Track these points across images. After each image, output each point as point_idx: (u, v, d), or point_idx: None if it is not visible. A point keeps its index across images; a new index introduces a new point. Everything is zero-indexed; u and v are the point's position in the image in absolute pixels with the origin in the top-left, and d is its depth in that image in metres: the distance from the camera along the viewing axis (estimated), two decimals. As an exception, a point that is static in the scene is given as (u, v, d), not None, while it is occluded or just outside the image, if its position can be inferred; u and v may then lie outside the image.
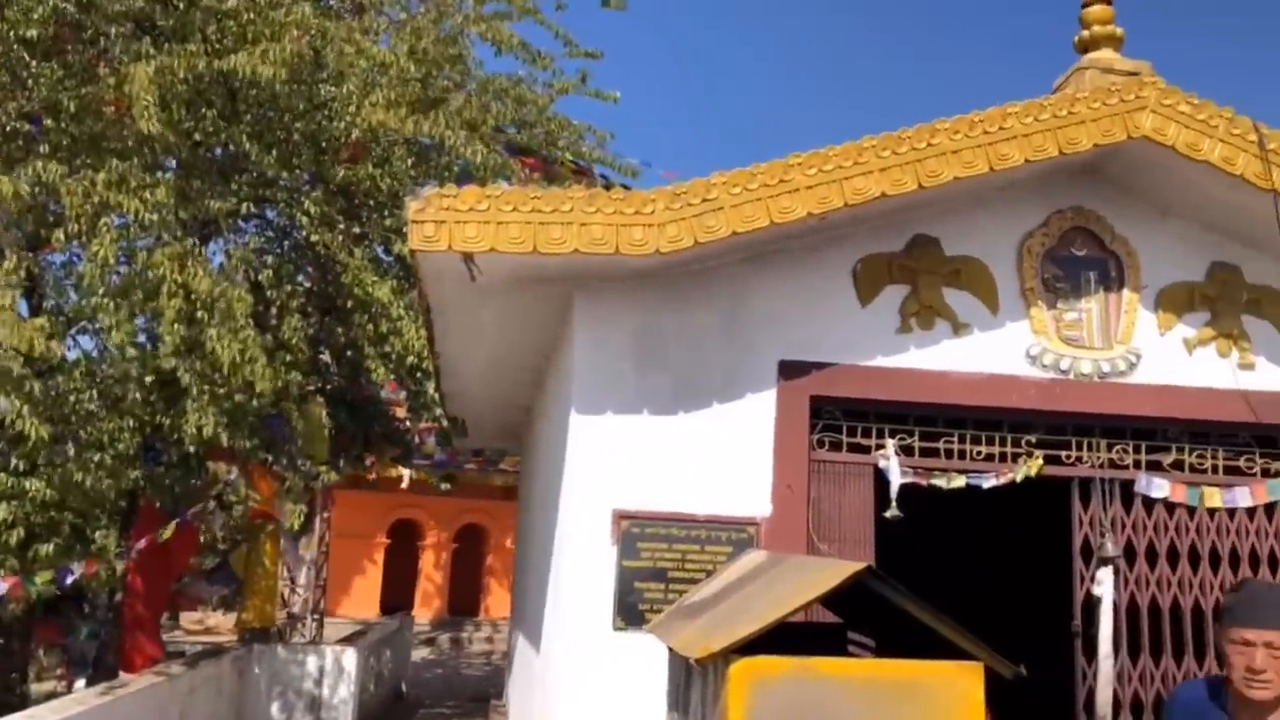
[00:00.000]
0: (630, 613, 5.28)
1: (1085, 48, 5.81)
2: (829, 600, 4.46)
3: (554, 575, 5.94)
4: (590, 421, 5.43)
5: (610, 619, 5.30)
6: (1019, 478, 5.80)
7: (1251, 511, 5.95)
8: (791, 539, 5.46)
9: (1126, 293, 5.90)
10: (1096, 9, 5.80)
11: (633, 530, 5.39)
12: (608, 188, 8.00)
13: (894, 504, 5.66)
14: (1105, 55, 5.69)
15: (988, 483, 5.80)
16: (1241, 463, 6.03)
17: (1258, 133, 5.30)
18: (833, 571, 3.17)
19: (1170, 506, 5.91)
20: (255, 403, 8.40)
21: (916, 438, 5.82)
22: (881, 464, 5.74)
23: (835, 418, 5.80)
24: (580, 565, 5.38)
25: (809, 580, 3.30)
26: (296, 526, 10.69)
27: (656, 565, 5.37)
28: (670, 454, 5.47)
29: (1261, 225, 5.63)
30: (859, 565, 3.10)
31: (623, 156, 10.86)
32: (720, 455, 5.52)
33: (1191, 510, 5.92)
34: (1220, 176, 5.38)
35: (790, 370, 5.63)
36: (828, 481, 5.72)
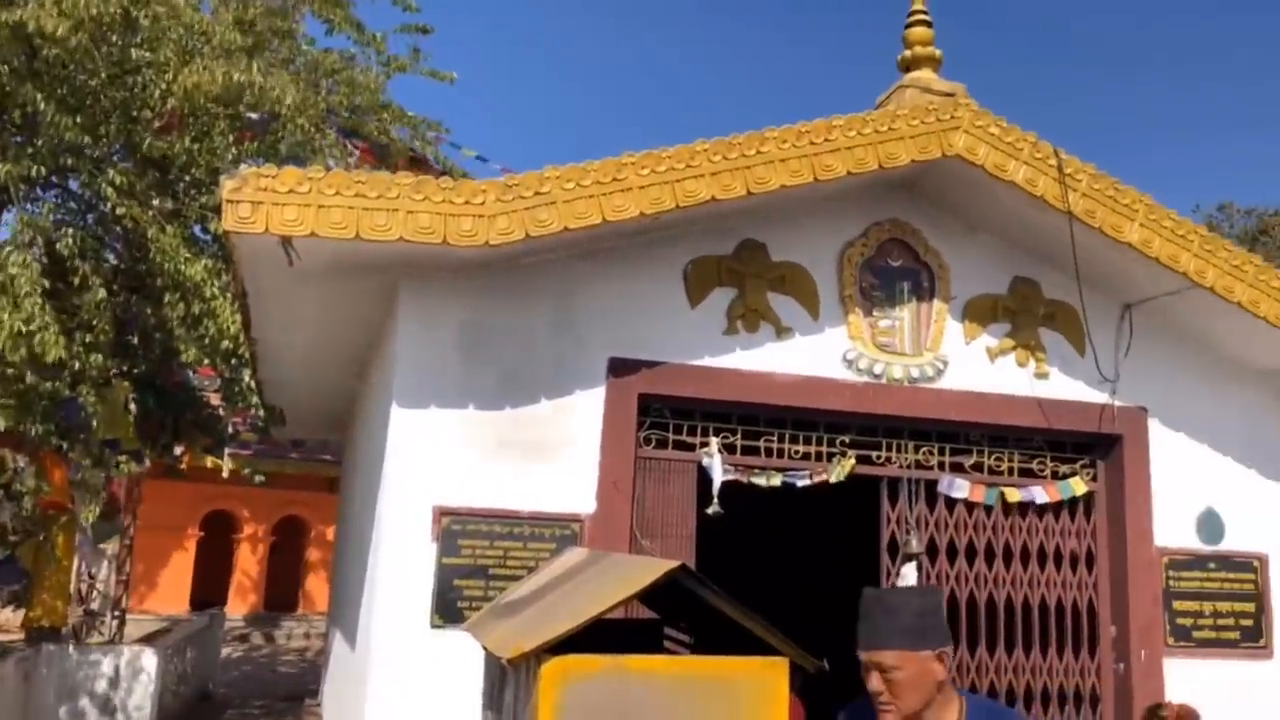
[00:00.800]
0: (449, 610, 5.18)
1: (907, 67, 6.09)
2: (648, 598, 4.53)
3: (371, 571, 5.77)
4: (412, 415, 5.29)
5: (428, 617, 5.19)
6: (833, 477, 6.02)
7: (1042, 510, 6.38)
8: (615, 536, 5.49)
9: (937, 303, 6.22)
10: (917, 30, 6.08)
11: (454, 526, 5.29)
12: (444, 175, 7.83)
13: (715, 501, 5.78)
14: (925, 75, 5.97)
15: (802, 481, 5.99)
16: (1034, 465, 6.46)
17: (1057, 158, 5.67)
18: (646, 570, 3.19)
19: (970, 506, 6.27)
20: (50, 385, 7.80)
21: (739, 436, 5.96)
22: (705, 461, 5.84)
23: (663, 415, 5.87)
24: (398, 561, 5.25)
25: (623, 579, 3.31)
26: (92, 519, 9.99)
27: (477, 562, 5.29)
28: (495, 449, 5.40)
29: (1059, 244, 6.04)
30: (672, 564, 3.12)
31: (459, 147, 10.65)
32: (546, 451, 5.49)
33: (989, 509, 6.29)
34: (1023, 196, 5.74)
35: (620, 368, 5.65)
36: (653, 478, 5.78)
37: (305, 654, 18.24)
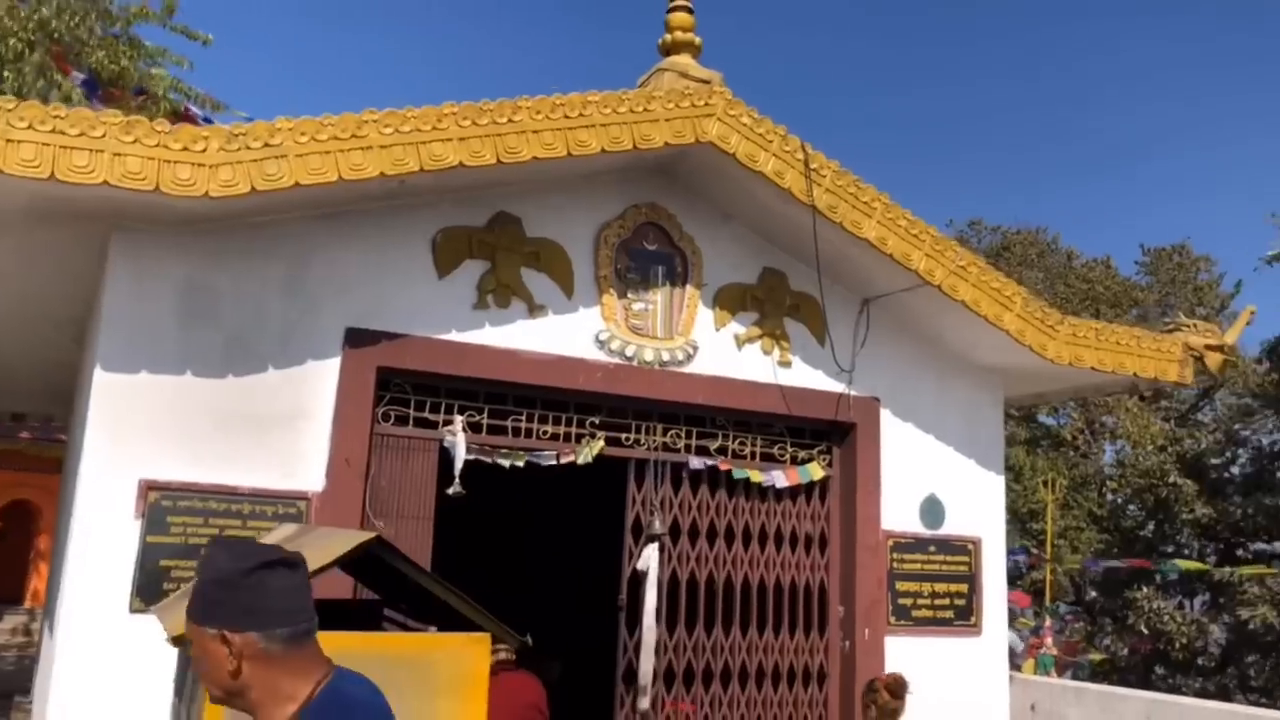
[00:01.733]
0: (153, 593, 4.75)
1: (667, 50, 6.11)
2: (372, 579, 4.30)
3: (69, 551, 5.22)
4: (117, 380, 4.82)
5: (128, 600, 4.74)
6: (580, 458, 5.97)
7: (781, 494, 6.59)
8: (345, 515, 5.21)
9: (689, 288, 6.29)
10: (678, 16, 6.13)
11: (163, 502, 4.86)
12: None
13: (457, 481, 5.61)
14: (683, 60, 6.01)
15: (549, 462, 5.91)
16: (776, 450, 6.66)
17: (805, 152, 5.85)
18: (340, 543, 2.99)
19: (713, 488, 6.38)
20: None
21: (485, 415, 5.81)
22: (447, 440, 5.65)
23: (404, 391, 5.63)
24: (95, 540, 4.76)
25: (320, 550, 3.10)
26: None
27: (189, 541, 4.88)
28: (215, 420, 5.01)
29: (805, 237, 6.23)
30: (367, 535, 2.94)
31: (208, 93, 9.90)
32: (273, 425, 5.14)
33: (731, 493, 6.44)
34: (772, 188, 5.88)
35: (358, 338, 5.37)
36: (391, 456, 5.54)
37: (28, 649, 16.63)
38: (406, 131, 4.89)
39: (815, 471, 6.69)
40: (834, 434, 6.81)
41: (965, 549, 6.92)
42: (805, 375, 6.59)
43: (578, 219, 6.03)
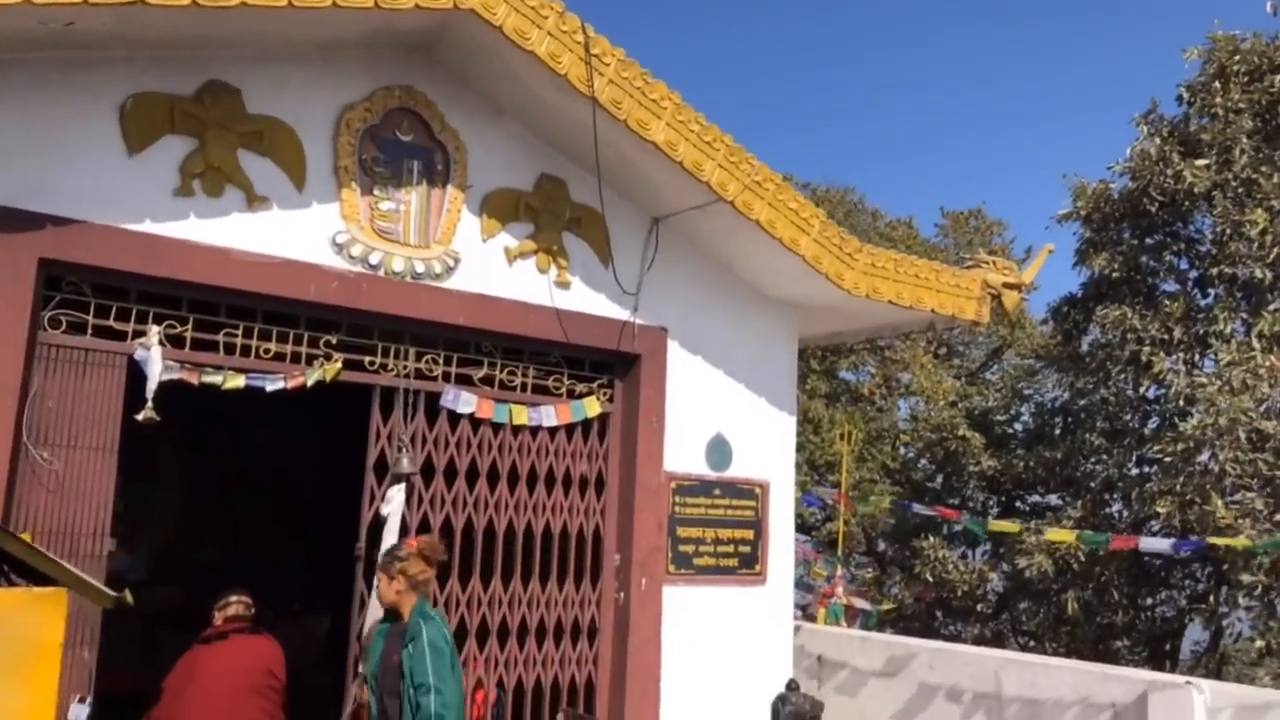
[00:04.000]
0: None
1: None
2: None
3: None
4: None
5: None
6: (311, 381, 5.05)
7: (554, 431, 5.87)
8: (-10, 442, 4.13)
9: (451, 190, 5.43)
10: None
11: None
12: None
13: (150, 405, 4.59)
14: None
15: (273, 385, 4.96)
16: (550, 382, 5.93)
17: (585, 34, 5.07)
18: None
19: (476, 423, 5.60)
20: None
21: (190, 327, 4.79)
22: (139, 355, 4.61)
23: (81, 292, 4.55)
24: None
25: None
26: None
27: None
28: None
29: (587, 141, 5.48)
30: None
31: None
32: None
33: (497, 428, 5.67)
34: (547, 74, 5.07)
35: (12, 220, 4.25)
36: (62, 373, 4.46)
37: None
38: (62, -52, 3.79)
39: (592, 408, 6.00)
40: (616, 366, 6.14)
41: (753, 493, 6.43)
42: (586, 299, 5.88)
43: (315, 98, 5.05)
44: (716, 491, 6.29)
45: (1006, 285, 6.66)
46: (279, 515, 9.27)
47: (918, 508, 12.30)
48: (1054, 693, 6.09)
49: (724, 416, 6.38)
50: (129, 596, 2.39)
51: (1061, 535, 10.06)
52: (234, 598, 5.13)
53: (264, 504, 9.18)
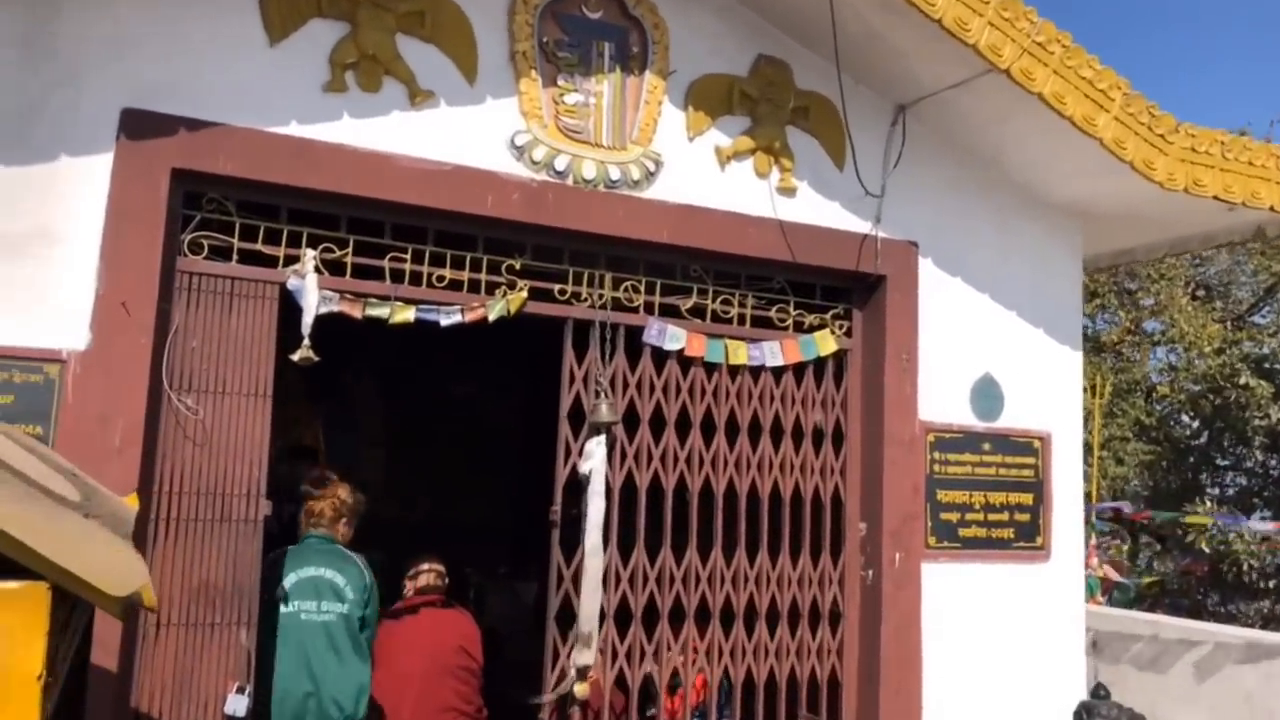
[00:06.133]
0: None
1: None
2: None
3: None
4: None
5: None
6: (494, 315, 4.21)
7: (779, 372, 4.82)
8: (125, 386, 3.50)
9: (650, 78, 4.44)
10: None
11: None
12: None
13: (307, 343, 3.87)
14: None
15: (449, 319, 4.15)
16: (773, 313, 4.86)
17: None
18: None
19: (685, 363, 4.62)
20: None
21: (350, 250, 4.03)
22: (292, 284, 3.89)
23: (224, 211, 3.86)
24: None
25: None
26: None
27: None
28: (-100, 239, 3.27)
29: (815, 10, 4.36)
30: None
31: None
32: (8, 250, 3.41)
33: (711, 369, 4.67)
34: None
35: (140, 124, 3.59)
36: (205, 305, 3.79)
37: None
38: None
39: (825, 343, 4.90)
40: (854, 292, 5.01)
41: (1031, 447, 5.15)
42: (815, 209, 4.77)
43: (485, -31, 4.16)
44: (985, 446, 5.06)
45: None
46: (483, 473, 8.70)
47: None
48: None
49: (992, 352, 5.12)
50: (149, 596, 1.58)
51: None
52: (426, 566, 4.51)
53: (468, 461, 8.62)
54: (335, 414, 8.20)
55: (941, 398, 4.98)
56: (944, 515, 4.93)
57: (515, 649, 5.98)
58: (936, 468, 4.93)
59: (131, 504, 2.65)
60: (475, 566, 7.49)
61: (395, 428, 8.57)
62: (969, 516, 4.99)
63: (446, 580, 4.56)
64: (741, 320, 4.77)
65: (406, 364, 8.04)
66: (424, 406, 8.38)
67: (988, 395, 5.09)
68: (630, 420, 4.48)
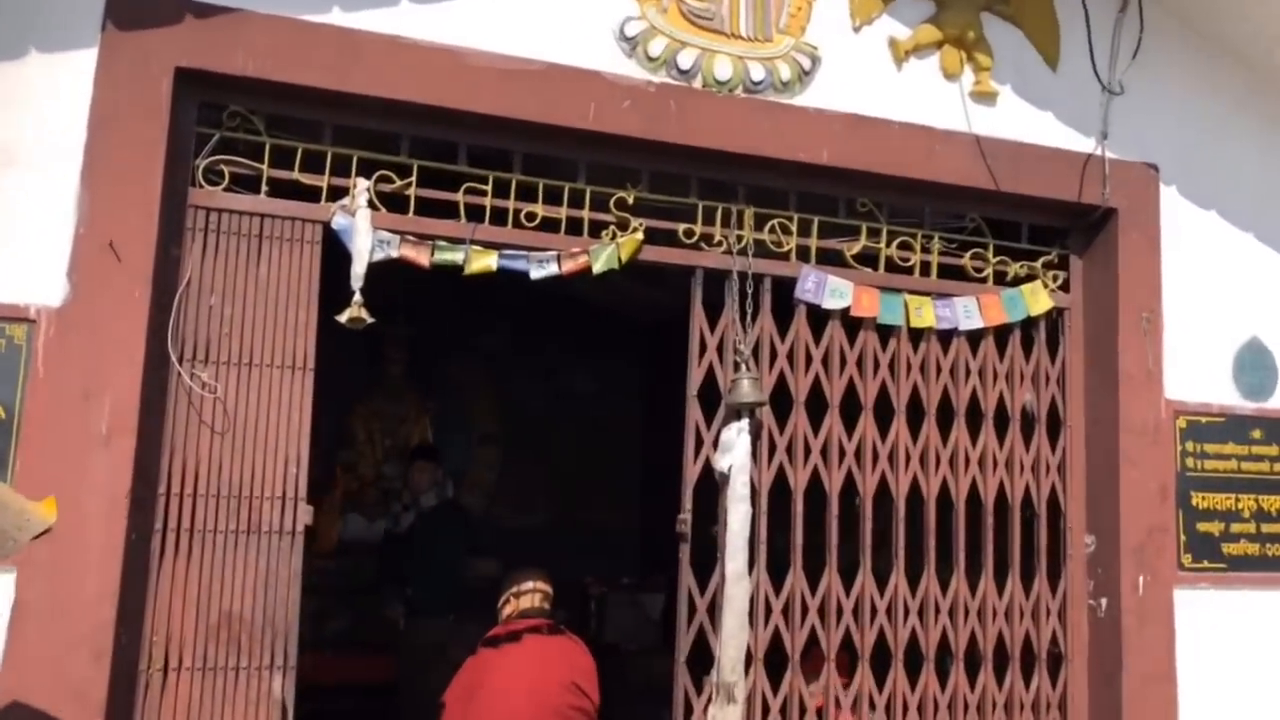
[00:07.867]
0: None
1: None
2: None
3: None
4: None
5: None
6: (600, 266, 3.21)
7: (976, 337, 3.67)
8: (115, 351, 2.65)
9: (802, -53, 3.38)
10: None
11: None
12: None
13: (358, 298, 2.95)
14: None
15: (541, 269, 3.17)
16: (967, 261, 3.72)
17: None
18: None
19: (852, 325, 3.52)
20: None
21: (414, 180, 3.10)
22: (338, 223, 2.99)
23: (250, 127, 2.97)
24: None
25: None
26: None
27: None
28: None
29: None
30: None
31: None
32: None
33: (886, 333, 3.56)
34: None
35: (133, 9, 2.73)
36: (226, 250, 2.91)
37: None
38: None
39: (1037, 299, 3.72)
40: (1073, 232, 3.83)
41: (1316, 436, 3.86)
42: (1022, 121, 3.62)
43: None
44: (1255, 433, 3.79)
45: None
46: (605, 475, 7.78)
47: None
48: None
49: (1260, 311, 3.87)
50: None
51: None
52: (530, 584, 3.74)
53: (588, 462, 7.72)
54: (445, 412, 7.51)
55: (1194, 371, 3.76)
56: (1202, 526, 3.69)
57: (639, 669, 5.51)
58: (1190, 463, 3.70)
59: (45, 512, 1.77)
60: (596, 576, 6.69)
61: (509, 424, 7.77)
62: (1236, 528, 3.74)
63: (552, 602, 3.71)
64: (925, 270, 3.64)
65: (520, 356, 7.37)
66: (541, 402, 7.58)
67: (1257, 366, 3.83)
68: (780, 401, 3.41)
